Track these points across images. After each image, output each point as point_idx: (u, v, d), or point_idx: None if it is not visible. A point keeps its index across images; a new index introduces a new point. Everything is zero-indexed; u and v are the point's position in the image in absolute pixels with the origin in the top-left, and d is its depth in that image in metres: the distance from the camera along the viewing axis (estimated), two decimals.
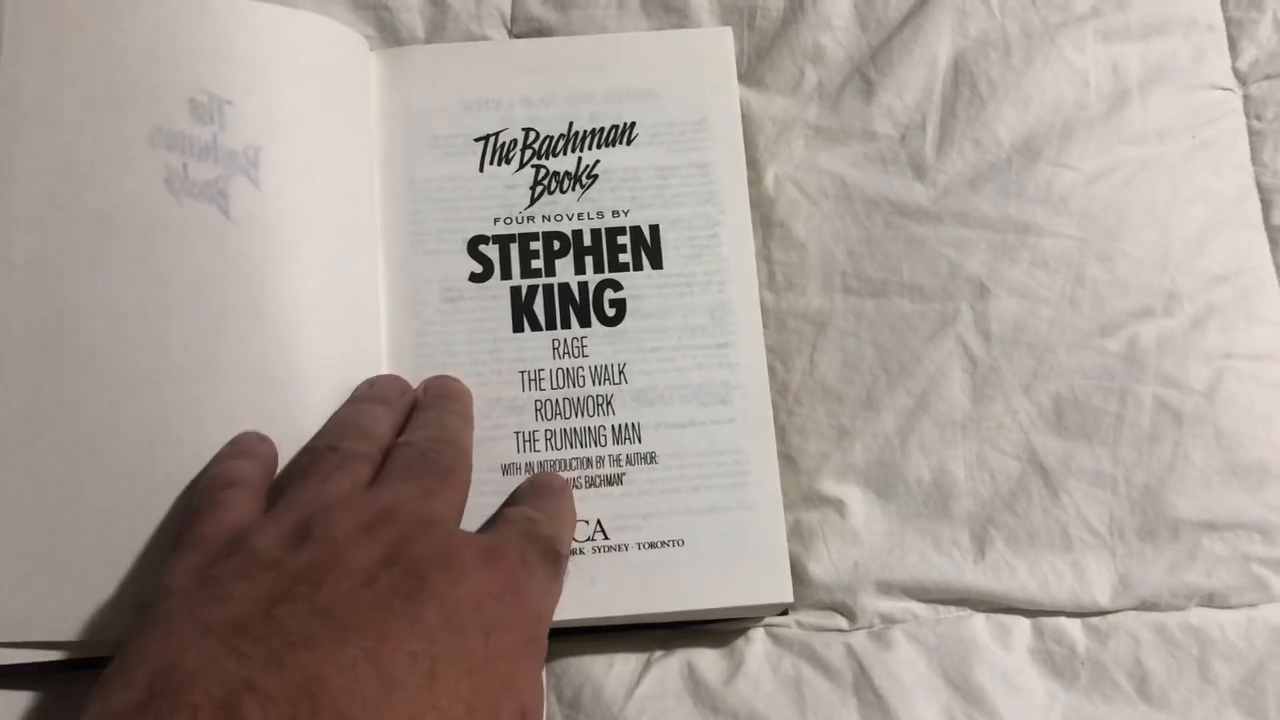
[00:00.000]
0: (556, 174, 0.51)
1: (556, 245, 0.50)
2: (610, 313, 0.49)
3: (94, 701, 0.33)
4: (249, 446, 0.44)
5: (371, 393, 0.46)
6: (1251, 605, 0.49)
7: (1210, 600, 0.49)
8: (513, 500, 0.47)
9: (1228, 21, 0.56)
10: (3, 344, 0.44)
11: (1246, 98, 0.55)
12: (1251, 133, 0.55)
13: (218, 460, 0.43)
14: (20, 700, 0.44)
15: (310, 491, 0.40)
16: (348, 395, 0.46)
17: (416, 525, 0.38)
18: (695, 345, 0.49)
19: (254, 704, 0.31)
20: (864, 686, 0.47)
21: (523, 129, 0.51)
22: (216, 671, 0.32)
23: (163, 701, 0.31)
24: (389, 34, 0.54)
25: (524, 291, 0.49)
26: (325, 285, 0.47)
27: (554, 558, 0.42)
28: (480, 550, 0.38)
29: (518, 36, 0.55)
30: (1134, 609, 0.49)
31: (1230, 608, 0.49)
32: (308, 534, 0.37)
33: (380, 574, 0.36)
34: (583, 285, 0.50)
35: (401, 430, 0.45)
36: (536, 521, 0.44)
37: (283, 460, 0.44)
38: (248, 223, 0.46)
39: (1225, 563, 0.49)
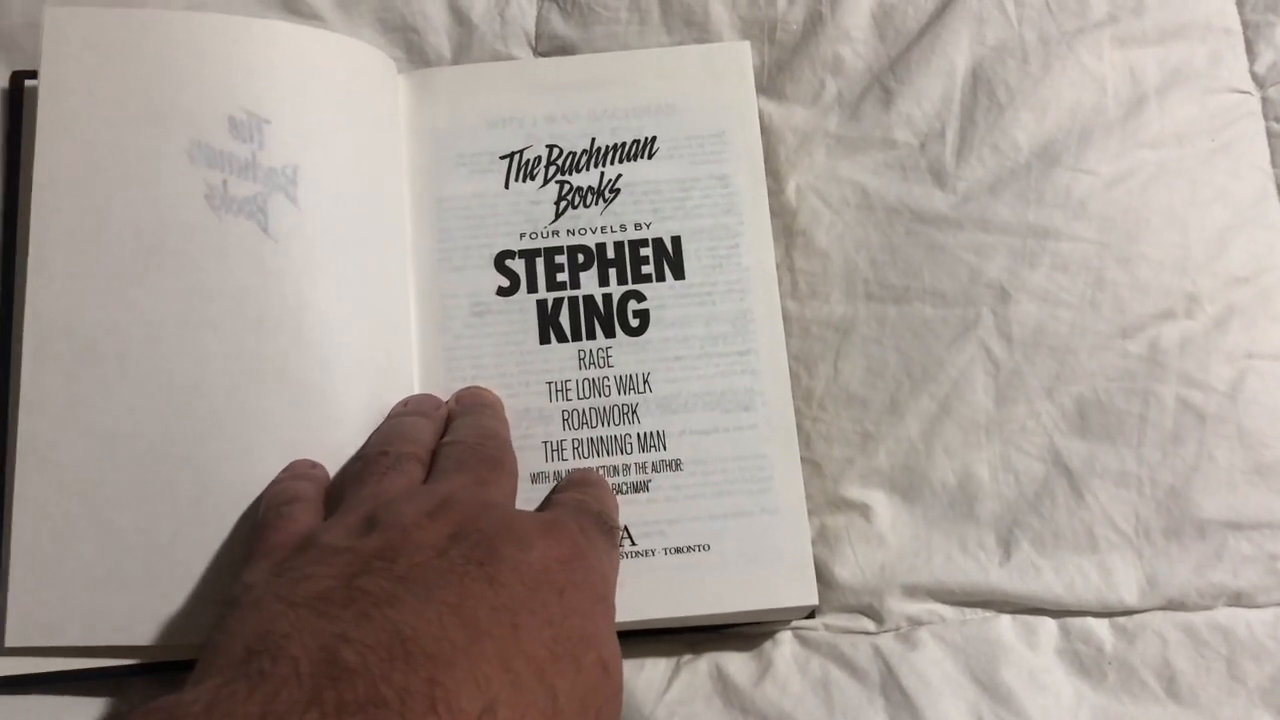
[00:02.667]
0: (580, 189, 0.52)
1: (581, 258, 0.51)
2: (634, 323, 0.50)
3: (193, 673, 0.34)
4: (303, 470, 0.45)
5: (408, 409, 0.48)
6: (1279, 604, 0.49)
7: (1237, 599, 0.49)
8: (556, 490, 0.48)
9: (1244, 25, 0.56)
10: (43, 355, 0.45)
11: (1265, 100, 0.55)
12: (1270, 135, 0.55)
13: (276, 483, 0.44)
14: (93, 706, 0.46)
15: (368, 491, 0.41)
16: (380, 407, 0.47)
17: (477, 507, 0.39)
18: (718, 353, 0.50)
19: (350, 651, 0.31)
20: (891, 687, 0.47)
21: (546, 145, 0.52)
22: (311, 630, 0.33)
23: (264, 657, 0.32)
24: (417, 55, 0.56)
25: (550, 304, 0.50)
26: (359, 301, 0.48)
27: (608, 529, 0.43)
28: (541, 523, 0.39)
29: (542, 54, 0.56)
30: (1161, 609, 0.49)
31: (1258, 606, 0.49)
32: (375, 524, 0.38)
33: (451, 547, 0.37)
34: (607, 297, 0.50)
35: (443, 436, 0.46)
36: (584, 500, 0.45)
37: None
38: (286, 239, 0.47)
39: (1251, 562, 0.49)
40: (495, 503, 0.41)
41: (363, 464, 0.44)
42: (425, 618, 0.33)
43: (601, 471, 0.48)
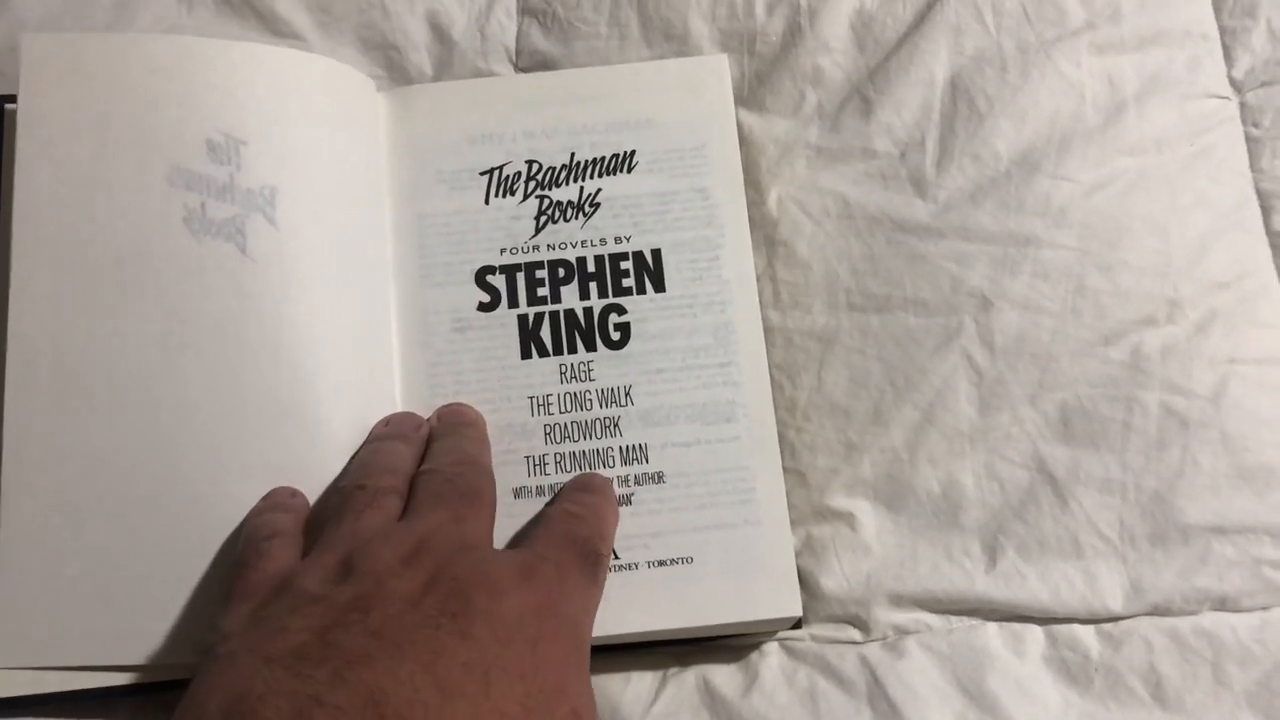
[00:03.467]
0: (560, 203, 0.52)
1: (561, 273, 0.51)
2: (615, 336, 0.50)
3: None
4: (282, 500, 0.45)
5: (388, 431, 0.48)
6: (1264, 608, 0.49)
7: (1222, 604, 0.49)
8: (555, 499, 0.48)
9: (1222, 31, 0.56)
10: (27, 378, 0.45)
11: (1243, 105, 0.56)
12: (1249, 139, 0.55)
13: (255, 514, 0.45)
14: None
15: (345, 529, 0.41)
16: (363, 425, 0.47)
17: (453, 551, 0.39)
18: (699, 365, 0.50)
19: (324, 715, 0.32)
20: (878, 696, 0.47)
21: (526, 161, 0.52)
22: (285, 692, 0.33)
23: None
24: (398, 73, 0.56)
25: (531, 319, 0.50)
26: (339, 319, 0.48)
27: (592, 560, 0.43)
28: (516, 570, 0.39)
29: (523, 70, 0.56)
30: (1146, 614, 0.49)
31: (1242, 611, 0.49)
32: (350, 570, 0.38)
33: (424, 598, 0.37)
34: (588, 311, 0.51)
35: (423, 460, 0.46)
36: (576, 518, 0.45)
37: (307, 493, 0.46)
38: (264, 260, 0.47)
39: (1236, 566, 0.49)
40: (471, 544, 0.41)
41: (340, 499, 0.44)
42: (398, 678, 0.34)
43: None
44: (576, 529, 0.44)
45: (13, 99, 0.49)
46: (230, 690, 0.34)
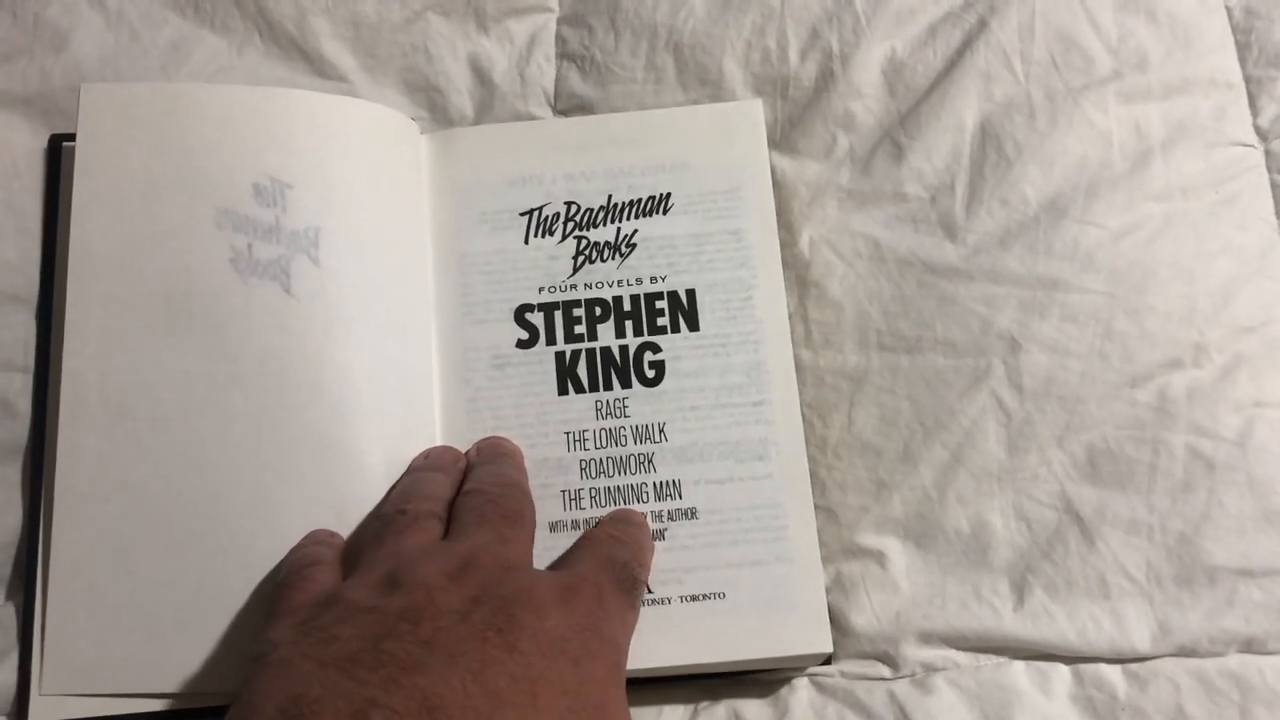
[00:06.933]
0: (597, 244, 0.53)
1: (598, 311, 0.52)
2: (650, 374, 0.51)
3: None
4: (322, 538, 0.46)
5: (427, 463, 0.48)
6: None
7: (1249, 646, 0.49)
8: (597, 526, 0.49)
9: (1247, 80, 0.57)
10: (78, 414, 0.47)
11: (1268, 153, 0.56)
12: (1274, 187, 0.56)
13: (297, 549, 0.46)
14: None
15: (388, 549, 0.42)
16: (402, 460, 0.48)
17: (498, 570, 0.40)
18: (732, 404, 0.51)
19: (381, 716, 0.33)
20: None
21: (565, 202, 0.54)
22: (342, 694, 0.34)
23: None
24: (440, 115, 0.57)
25: (568, 356, 0.51)
26: (381, 356, 0.49)
27: (630, 585, 0.44)
28: (559, 590, 0.40)
29: (561, 113, 0.58)
30: (1173, 655, 0.49)
31: (1269, 653, 0.49)
32: (398, 583, 0.39)
33: (472, 612, 0.38)
34: (623, 348, 0.51)
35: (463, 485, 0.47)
36: (618, 542, 0.46)
37: (346, 527, 0.47)
38: (308, 299, 0.48)
39: (1263, 609, 0.49)
40: (515, 564, 0.42)
41: (381, 523, 0.45)
42: (450, 685, 0.35)
43: None
44: (618, 553, 0.45)
45: (71, 137, 0.50)
46: (286, 693, 0.35)
